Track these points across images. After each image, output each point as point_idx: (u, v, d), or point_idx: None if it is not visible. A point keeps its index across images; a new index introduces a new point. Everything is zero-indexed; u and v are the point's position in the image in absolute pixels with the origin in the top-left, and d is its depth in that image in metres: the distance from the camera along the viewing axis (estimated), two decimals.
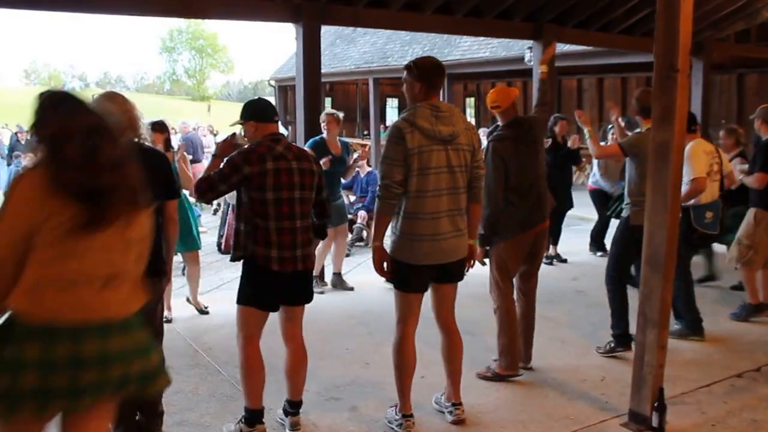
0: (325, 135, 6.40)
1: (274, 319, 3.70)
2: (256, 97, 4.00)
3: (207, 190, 3.48)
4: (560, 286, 6.92)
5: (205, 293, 7.10)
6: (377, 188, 3.60)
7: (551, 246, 8.04)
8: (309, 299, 3.72)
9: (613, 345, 4.87)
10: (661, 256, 3.51)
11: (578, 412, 3.99)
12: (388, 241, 3.70)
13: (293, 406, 3.75)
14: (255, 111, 3.62)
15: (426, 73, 3.60)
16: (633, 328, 4.32)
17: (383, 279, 3.92)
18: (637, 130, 4.97)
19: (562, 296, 6.51)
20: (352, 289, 6.67)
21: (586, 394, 4.24)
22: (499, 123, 4.55)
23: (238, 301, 3.59)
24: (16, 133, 16.49)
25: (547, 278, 7.23)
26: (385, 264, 3.65)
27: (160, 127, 5.71)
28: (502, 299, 4.46)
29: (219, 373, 4.50)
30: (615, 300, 4.92)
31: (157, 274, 3.42)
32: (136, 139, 3.41)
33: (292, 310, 3.67)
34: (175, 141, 11.76)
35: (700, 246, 5.43)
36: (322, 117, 6.41)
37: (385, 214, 3.57)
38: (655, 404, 3.60)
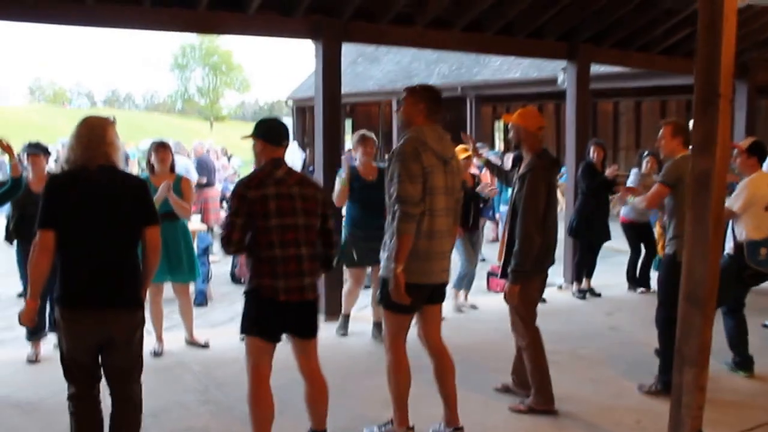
0: (357, 161, 6.16)
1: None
2: (272, 117, 4.09)
3: (228, 234, 3.57)
4: (593, 322, 6.90)
5: (218, 326, 7.18)
6: (397, 209, 3.71)
7: (585, 279, 8.03)
8: (315, 331, 3.80)
9: (659, 388, 4.83)
10: (701, 292, 3.51)
11: None
12: None
13: None
14: (266, 131, 3.74)
15: (431, 96, 3.93)
16: None
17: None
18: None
19: (596, 333, 6.49)
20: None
21: None
22: (524, 150, 4.61)
23: (242, 331, 3.70)
24: (19, 154, 16.81)
25: (580, 313, 7.25)
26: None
27: (163, 146, 5.89)
28: (530, 336, 4.56)
29: (231, 411, 4.54)
30: (668, 344, 4.84)
31: (135, 304, 3.48)
32: (113, 165, 3.45)
33: (303, 343, 3.76)
34: (188, 163, 11.95)
35: (751, 284, 5.39)
36: (354, 141, 6.22)
37: (411, 233, 3.72)
38: None
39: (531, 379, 4.58)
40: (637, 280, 8.30)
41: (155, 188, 5.65)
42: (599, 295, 7.97)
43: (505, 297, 4.54)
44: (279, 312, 3.60)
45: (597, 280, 8.15)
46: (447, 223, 3.88)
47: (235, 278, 9.19)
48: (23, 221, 5.46)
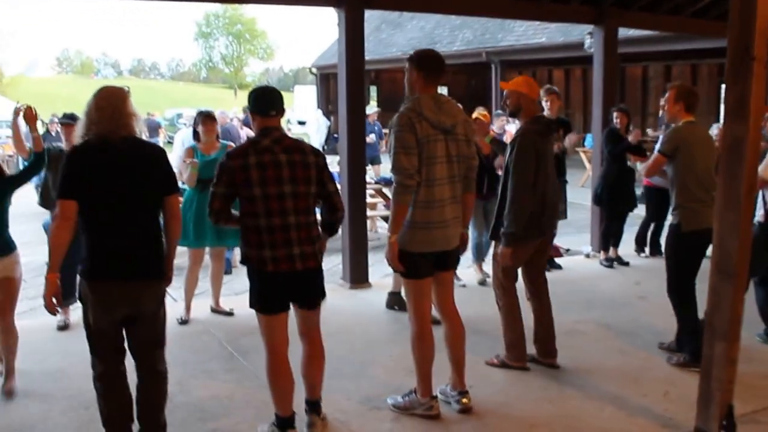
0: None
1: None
2: (262, 85, 4.00)
3: (210, 203, 3.58)
4: (621, 291, 6.83)
5: (242, 293, 7.21)
6: (394, 181, 3.77)
7: (612, 248, 7.93)
8: (316, 302, 3.76)
9: (687, 360, 4.77)
10: (732, 263, 3.42)
11: (639, 428, 3.96)
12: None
13: (309, 406, 3.86)
14: (253, 102, 3.67)
15: (426, 63, 3.89)
16: None
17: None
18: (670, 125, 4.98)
19: (624, 302, 6.43)
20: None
21: (648, 409, 4.19)
22: (520, 117, 4.68)
23: (251, 306, 3.68)
24: (47, 124, 16.89)
25: (608, 282, 7.18)
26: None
27: (210, 117, 6.06)
28: (506, 296, 4.71)
29: (256, 379, 4.56)
30: (685, 315, 4.82)
31: (158, 276, 3.46)
32: (133, 134, 3.42)
33: (304, 312, 3.76)
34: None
35: None
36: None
37: (406, 204, 3.78)
38: (724, 422, 3.53)
39: (504, 335, 4.75)
40: (644, 243, 8.23)
41: (202, 155, 5.89)
42: (627, 263, 7.86)
43: (494, 258, 4.71)
44: (271, 283, 3.57)
45: (625, 249, 8.05)
46: (450, 191, 3.88)
47: None
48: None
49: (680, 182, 4.74)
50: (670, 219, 4.89)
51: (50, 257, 3.33)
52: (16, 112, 5.49)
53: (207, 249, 6.05)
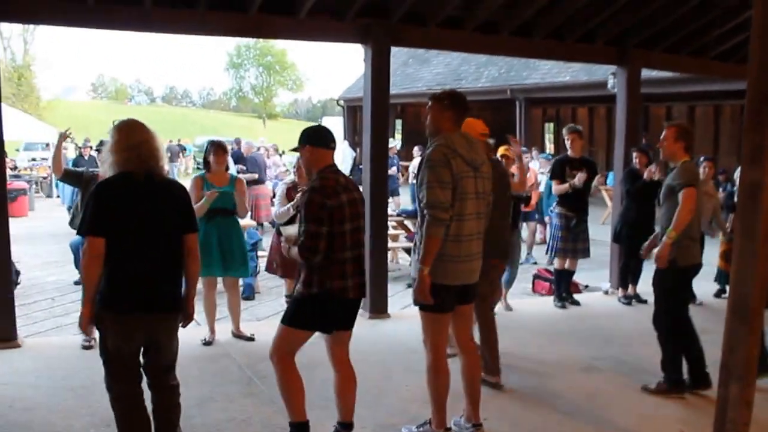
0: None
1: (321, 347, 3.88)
2: (316, 124, 4.17)
3: (316, 244, 3.58)
4: (638, 329, 6.74)
5: (264, 319, 7.26)
6: (427, 214, 3.77)
7: (630, 285, 7.89)
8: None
9: (664, 386, 4.95)
10: (747, 306, 3.40)
11: None
12: None
13: (345, 428, 3.92)
14: (312, 134, 3.81)
15: (458, 104, 3.95)
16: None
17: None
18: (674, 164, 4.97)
19: (640, 340, 6.35)
20: None
21: None
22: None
23: (291, 324, 3.74)
24: (80, 148, 17.21)
25: (625, 320, 7.14)
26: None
27: (222, 148, 6.01)
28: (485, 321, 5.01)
29: (273, 404, 4.59)
30: (670, 347, 5.02)
31: (176, 309, 3.52)
32: (157, 170, 3.46)
33: (343, 334, 3.89)
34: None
35: None
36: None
37: (439, 237, 3.79)
38: None
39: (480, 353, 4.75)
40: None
41: (209, 184, 5.82)
42: (645, 301, 7.77)
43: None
44: (344, 309, 3.78)
45: (643, 287, 7.98)
46: (477, 226, 3.94)
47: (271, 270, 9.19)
48: None
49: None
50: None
51: (87, 293, 3.43)
52: (63, 137, 5.66)
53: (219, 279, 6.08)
